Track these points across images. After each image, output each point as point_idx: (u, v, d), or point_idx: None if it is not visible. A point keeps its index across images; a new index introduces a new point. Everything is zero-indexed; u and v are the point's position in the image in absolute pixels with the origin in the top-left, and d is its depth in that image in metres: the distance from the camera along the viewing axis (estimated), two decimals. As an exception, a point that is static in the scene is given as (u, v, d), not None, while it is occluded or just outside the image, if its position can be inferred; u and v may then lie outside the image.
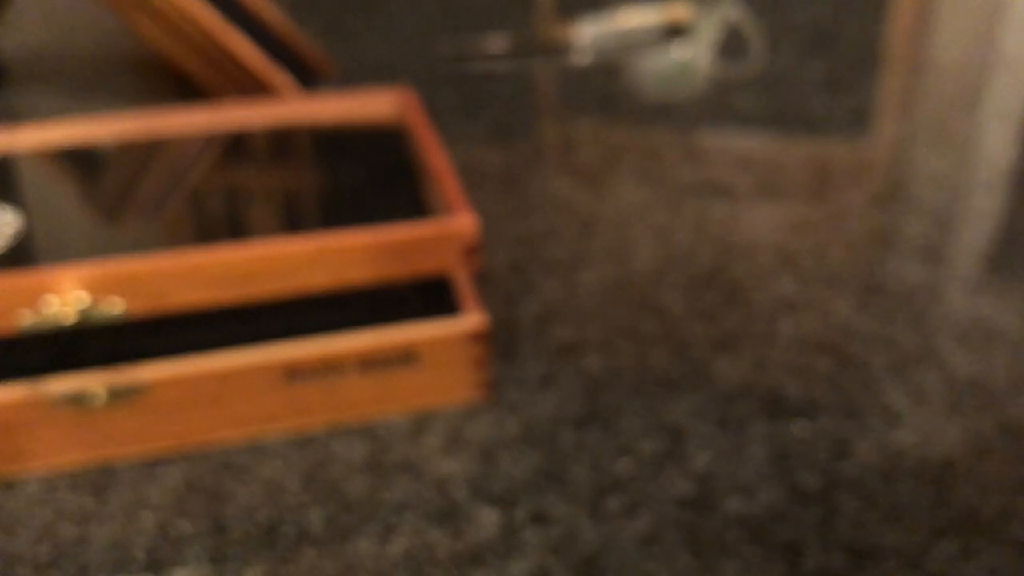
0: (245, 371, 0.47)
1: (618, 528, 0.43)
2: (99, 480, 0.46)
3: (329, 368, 0.48)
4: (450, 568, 0.41)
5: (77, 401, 0.45)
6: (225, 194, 0.56)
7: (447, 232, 0.48)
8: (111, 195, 0.56)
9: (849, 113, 0.83)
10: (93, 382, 0.45)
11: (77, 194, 0.56)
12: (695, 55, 0.92)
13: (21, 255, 0.48)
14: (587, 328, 0.56)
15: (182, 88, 0.78)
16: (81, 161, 0.58)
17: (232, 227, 0.53)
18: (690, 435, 0.48)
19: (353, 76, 0.87)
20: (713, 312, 0.57)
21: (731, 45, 0.97)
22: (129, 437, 0.47)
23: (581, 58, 0.96)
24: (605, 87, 0.88)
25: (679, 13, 1.00)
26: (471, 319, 0.49)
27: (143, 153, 0.59)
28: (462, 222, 0.48)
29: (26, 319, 0.44)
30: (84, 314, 0.45)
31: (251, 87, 0.75)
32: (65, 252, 0.49)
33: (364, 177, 0.57)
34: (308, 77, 0.82)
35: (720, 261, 0.62)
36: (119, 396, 0.46)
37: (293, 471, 0.46)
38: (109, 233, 0.53)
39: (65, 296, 0.44)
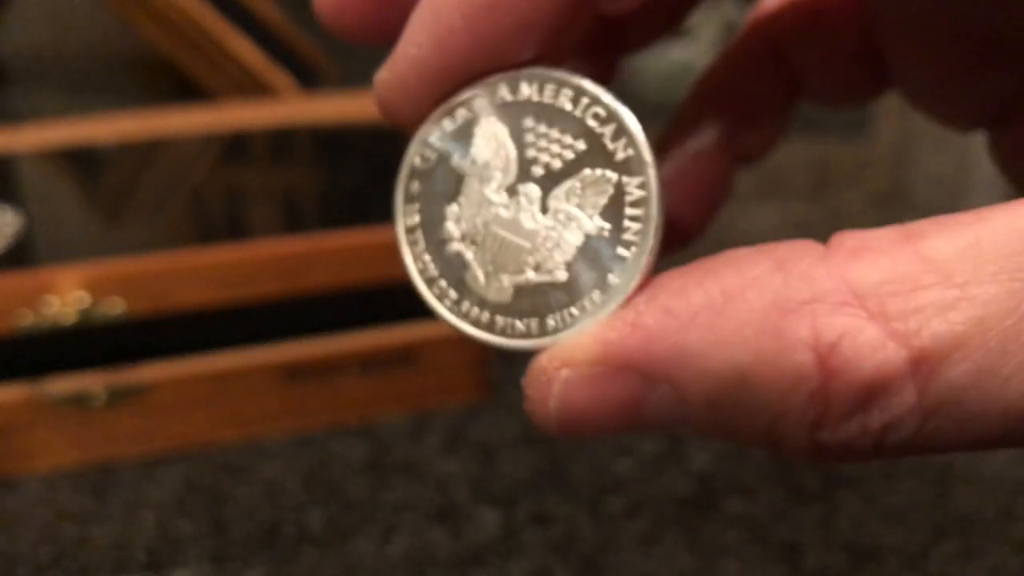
0: (245, 371, 0.47)
1: (618, 528, 0.43)
2: (99, 480, 0.46)
3: (329, 368, 0.48)
4: (450, 568, 0.41)
5: (77, 401, 0.45)
6: (225, 194, 0.56)
7: (447, 232, 0.48)
8: (111, 195, 0.56)
9: (849, 113, 0.83)
10: (93, 382, 0.45)
11: (77, 194, 0.56)
12: (695, 55, 0.92)
13: (21, 255, 0.48)
14: (587, 328, 0.56)
15: (182, 88, 0.78)
16: (81, 161, 0.58)
17: (232, 227, 0.53)
18: (690, 435, 0.48)
19: (353, 76, 0.87)
20: (713, 312, 0.57)
21: (731, 45, 0.97)
22: (129, 437, 0.47)
23: (581, 58, 0.96)
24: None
25: (679, 13, 1.00)
26: (471, 319, 0.49)
27: (143, 153, 0.59)
28: (462, 222, 0.48)
29: (26, 319, 0.44)
30: (84, 314, 0.45)
31: (251, 87, 0.75)
32: (65, 252, 0.49)
33: (364, 177, 0.57)
34: (308, 77, 0.82)
35: (720, 261, 0.62)
36: (119, 396, 0.46)
37: (293, 471, 0.46)
38: (109, 233, 0.53)
39: (65, 296, 0.44)
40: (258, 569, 0.41)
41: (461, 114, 0.20)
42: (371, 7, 0.22)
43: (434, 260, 0.20)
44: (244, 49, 0.75)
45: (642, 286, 0.19)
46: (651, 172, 0.19)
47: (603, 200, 0.19)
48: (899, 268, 0.16)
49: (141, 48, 0.81)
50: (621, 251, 0.19)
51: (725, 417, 0.17)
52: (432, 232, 0.20)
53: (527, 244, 0.19)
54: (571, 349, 0.18)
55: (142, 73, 0.84)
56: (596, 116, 0.19)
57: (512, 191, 0.20)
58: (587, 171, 0.19)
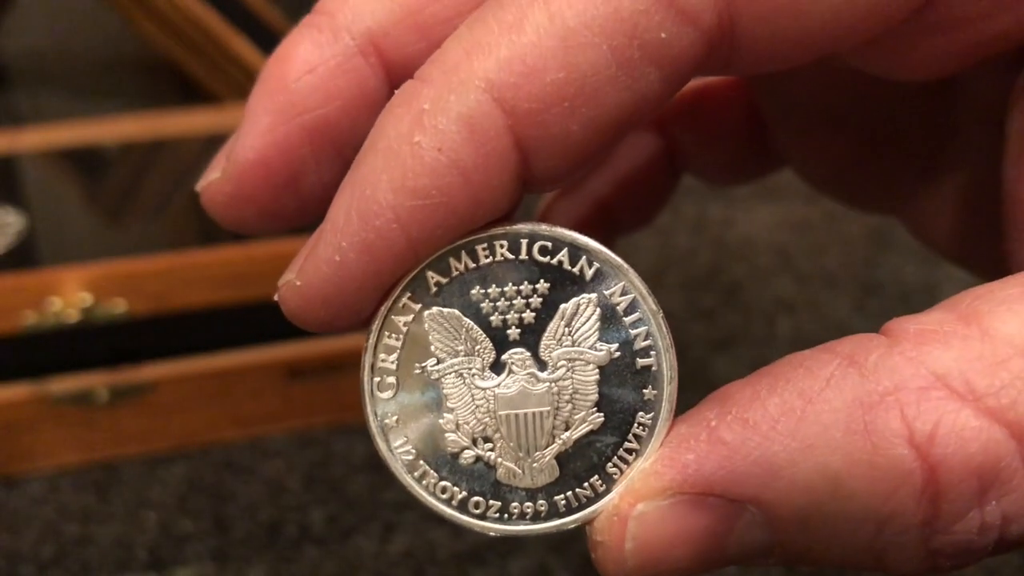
0: (247, 370, 0.47)
1: (617, 527, 0.43)
2: (102, 479, 0.46)
3: (330, 367, 0.48)
4: (450, 566, 0.41)
5: (80, 400, 0.46)
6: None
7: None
8: (114, 196, 0.57)
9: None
10: (96, 381, 0.46)
11: (80, 195, 0.57)
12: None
13: (24, 255, 0.48)
14: (587, 328, 0.56)
15: (184, 90, 0.78)
16: (84, 162, 0.59)
17: (234, 228, 0.54)
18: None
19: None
20: (712, 312, 0.58)
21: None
22: (131, 436, 0.47)
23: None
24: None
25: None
26: (471, 319, 0.49)
27: (145, 154, 0.59)
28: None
29: (29, 319, 0.44)
30: (87, 314, 0.45)
31: (252, 88, 0.75)
32: (68, 252, 0.49)
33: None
34: (309, 78, 0.82)
35: (719, 261, 0.62)
36: (121, 395, 0.46)
37: (294, 470, 0.47)
38: (112, 234, 0.53)
39: (68, 296, 0.45)
40: (259, 567, 0.41)
41: (399, 320, 0.18)
42: (266, 198, 0.20)
43: (454, 482, 0.18)
44: (245, 50, 0.75)
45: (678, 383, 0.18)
46: (630, 273, 0.18)
47: (596, 324, 0.18)
48: (973, 347, 0.15)
49: (143, 50, 0.82)
50: (642, 362, 0.18)
51: (820, 536, 0.16)
52: (436, 455, 0.18)
53: (546, 408, 0.18)
54: (644, 479, 0.17)
55: (144, 75, 0.84)
56: (544, 250, 0.18)
57: (498, 366, 0.18)
58: (564, 306, 0.18)
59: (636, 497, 0.17)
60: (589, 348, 0.18)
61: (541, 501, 0.18)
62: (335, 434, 0.49)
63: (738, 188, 0.69)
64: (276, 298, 0.19)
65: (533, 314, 0.18)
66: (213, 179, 0.21)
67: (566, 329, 0.18)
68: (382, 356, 0.18)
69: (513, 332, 0.18)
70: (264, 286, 0.47)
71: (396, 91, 0.18)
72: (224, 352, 0.47)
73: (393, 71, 0.20)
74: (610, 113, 0.17)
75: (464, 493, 0.18)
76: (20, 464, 0.46)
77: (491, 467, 0.18)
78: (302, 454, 0.47)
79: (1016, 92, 0.20)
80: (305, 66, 0.20)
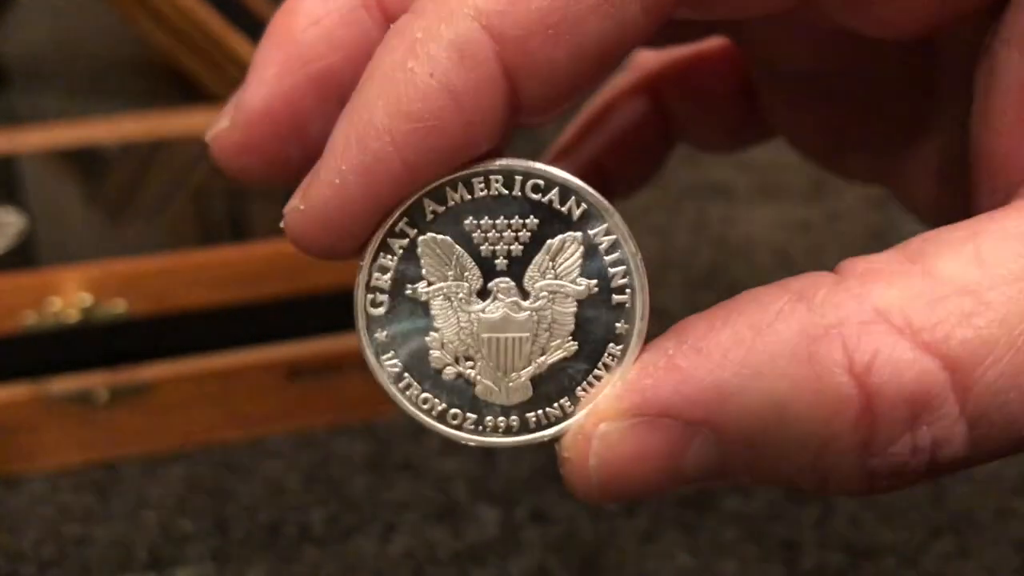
0: (247, 370, 0.47)
1: (617, 527, 0.43)
2: (102, 479, 0.46)
3: (330, 367, 0.48)
4: (450, 567, 0.41)
5: (80, 400, 0.46)
6: (226, 195, 0.57)
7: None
8: (114, 196, 0.57)
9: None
10: (96, 381, 0.46)
11: (80, 195, 0.57)
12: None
13: (24, 255, 0.49)
14: (587, 328, 0.56)
15: (184, 90, 0.78)
16: (84, 162, 0.59)
17: (233, 227, 0.54)
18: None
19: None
20: (712, 312, 0.57)
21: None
22: (131, 436, 0.47)
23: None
24: (605, 88, 0.88)
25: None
26: (471, 319, 0.50)
27: (145, 154, 0.60)
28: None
29: (29, 319, 0.45)
30: (87, 314, 0.45)
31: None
32: (68, 253, 0.49)
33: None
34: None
35: (719, 262, 0.62)
36: (121, 395, 0.46)
37: (294, 470, 0.47)
38: (112, 234, 0.53)
39: (68, 296, 0.45)
40: (259, 568, 0.42)
41: (395, 243, 0.19)
42: (273, 146, 0.21)
43: (436, 395, 0.20)
44: (245, 50, 0.75)
45: (649, 320, 0.19)
46: (615, 216, 0.19)
47: (578, 261, 0.19)
48: (914, 285, 0.16)
49: (143, 50, 0.82)
50: (617, 298, 0.19)
51: (767, 456, 0.17)
52: (421, 369, 0.20)
53: (525, 334, 0.19)
54: (608, 402, 0.18)
55: (144, 75, 0.84)
56: (536, 188, 0.19)
57: (484, 293, 0.19)
58: (550, 241, 0.19)
59: (599, 417, 0.18)
60: (570, 282, 0.19)
61: (514, 417, 0.20)
62: (335, 434, 0.49)
63: (738, 188, 0.69)
64: (281, 225, 0.20)
65: (521, 247, 0.19)
66: (222, 128, 0.22)
67: (550, 263, 0.19)
68: (376, 275, 0.19)
69: (501, 262, 0.19)
70: (264, 286, 0.47)
71: (392, 25, 0.19)
72: (224, 352, 0.47)
73: (393, 21, 0.21)
74: (594, 41, 0.18)
75: (444, 405, 0.20)
76: (20, 464, 0.46)
77: (470, 384, 0.19)
78: (302, 454, 0.48)
79: (983, 50, 0.20)
80: (310, 18, 0.21)
